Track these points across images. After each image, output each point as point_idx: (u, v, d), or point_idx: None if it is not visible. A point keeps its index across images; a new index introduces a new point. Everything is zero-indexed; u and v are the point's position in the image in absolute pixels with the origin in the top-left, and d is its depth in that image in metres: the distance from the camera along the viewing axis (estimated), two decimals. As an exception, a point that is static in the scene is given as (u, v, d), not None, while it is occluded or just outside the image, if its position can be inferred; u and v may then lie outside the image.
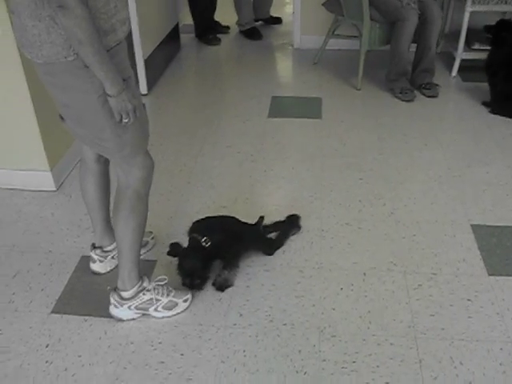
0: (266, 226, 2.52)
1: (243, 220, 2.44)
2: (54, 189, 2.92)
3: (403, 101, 3.81)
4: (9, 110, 2.71)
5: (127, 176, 1.94)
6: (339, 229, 2.60)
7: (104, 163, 2.19)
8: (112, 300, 2.11)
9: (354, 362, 1.96)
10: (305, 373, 1.93)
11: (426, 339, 2.04)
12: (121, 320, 2.13)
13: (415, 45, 3.86)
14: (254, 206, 2.76)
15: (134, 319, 2.14)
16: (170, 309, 2.15)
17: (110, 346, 2.05)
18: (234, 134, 3.45)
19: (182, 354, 2.00)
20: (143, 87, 3.94)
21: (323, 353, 2.00)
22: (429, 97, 3.85)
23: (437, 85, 3.90)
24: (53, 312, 2.19)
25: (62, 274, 2.38)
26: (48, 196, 2.89)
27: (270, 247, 2.46)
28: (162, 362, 1.98)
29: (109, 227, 2.31)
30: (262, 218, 2.51)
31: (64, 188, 2.95)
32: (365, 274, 2.34)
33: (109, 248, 2.33)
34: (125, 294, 2.09)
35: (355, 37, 4.10)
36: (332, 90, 4.01)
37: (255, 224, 2.48)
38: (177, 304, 2.16)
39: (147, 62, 3.89)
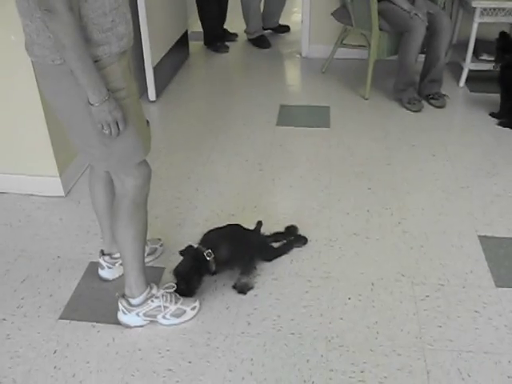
0: (267, 236, 2.53)
1: (246, 227, 2.45)
2: (63, 194, 2.93)
3: (411, 111, 3.82)
4: (19, 115, 2.72)
5: (123, 184, 1.94)
6: (347, 238, 2.60)
7: None
8: (120, 306, 2.11)
9: (361, 372, 1.96)
10: (312, 382, 1.92)
11: (433, 350, 2.04)
12: (128, 326, 2.13)
13: (423, 55, 3.88)
14: (262, 214, 2.76)
15: (141, 326, 2.14)
16: (178, 316, 2.15)
17: (117, 352, 2.05)
18: (242, 142, 3.46)
19: (189, 362, 2.01)
20: (152, 94, 3.95)
21: (331, 362, 2.00)
22: (436, 107, 3.86)
23: (444, 95, 3.91)
24: (61, 318, 2.20)
25: (70, 280, 2.39)
26: (57, 202, 2.90)
27: (271, 254, 2.47)
28: (170, 370, 1.98)
29: None
30: (260, 222, 2.51)
31: (72, 194, 2.96)
32: (372, 284, 2.34)
33: (117, 255, 2.33)
34: (133, 301, 2.10)
35: (363, 46, 4.11)
36: (340, 99, 4.02)
37: (255, 229, 2.49)
38: (185, 312, 2.17)
39: (156, 70, 3.90)
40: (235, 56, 4.97)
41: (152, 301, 2.11)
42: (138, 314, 2.11)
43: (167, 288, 2.17)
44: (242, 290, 2.30)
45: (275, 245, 2.53)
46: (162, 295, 2.13)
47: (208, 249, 2.20)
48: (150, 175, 2.00)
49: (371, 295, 2.29)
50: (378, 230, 2.66)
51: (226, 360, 2.01)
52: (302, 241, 2.58)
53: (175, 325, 2.15)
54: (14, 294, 2.31)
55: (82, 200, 2.90)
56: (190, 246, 2.25)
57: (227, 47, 5.00)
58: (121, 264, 2.32)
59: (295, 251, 2.52)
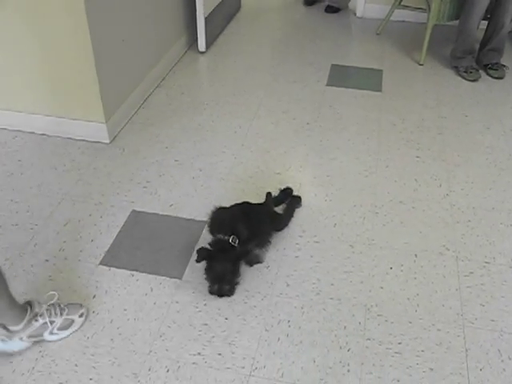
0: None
1: (255, 201, 2.38)
2: (108, 141, 2.92)
3: (467, 80, 3.67)
4: (70, 59, 2.69)
5: None
6: (393, 206, 2.54)
7: None
8: None
9: (399, 343, 1.93)
10: (348, 349, 1.90)
11: (474, 329, 1.99)
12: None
13: (485, 22, 3.71)
14: (308, 174, 2.72)
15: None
16: (66, 328, 1.93)
17: (155, 303, 2.06)
18: (290, 100, 3.39)
19: (226, 318, 2.00)
20: (201, 45, 3.89)
21: (368, 331, 1.97)
22: (495, 78, 3.70)
23: (504, 66, 3.74)
24: (101, 264, 2.21)
25: (111, 227, 2.39)
26: (101, 148, 2.89)
27: (280, 224, 2.38)
28: (206, 324, 1.98)
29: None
30: (269, 194, 2.42)
31: (117, 141, 2.95)
32: (416, 255, 2.29)
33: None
34: (14, 328, 1.84)
35: (423, 9, 3.95)
36: (394, 63, 3.90)
37: (266, 202, 2.39)
38: (73, 321, 1.95)
39: (207, 20, 3.83)
40: (287, 11, 4.84)
41: (36, 320, 1.86)
42: (21, 339, 1.85)
43: (49, 299, 1.94)
44: (251, 261, 2.21)
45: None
46: (46, 310, 1.89)
47: (230, 234, 2.08)
48: None
49: (414, 266, 2.24)
50: (424, 200, 2.59)
51: (263, 319, 2.00)
52: (298, 200, 2.51)
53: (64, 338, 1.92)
54: (56, 236, 2.33)
55: (126, 148, 2.89)
56: (203, 248, 2.09)
57: None
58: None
59: (339, 215, 2.47)
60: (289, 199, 2.50)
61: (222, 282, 2.05)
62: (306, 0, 4.89)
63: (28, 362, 1.84)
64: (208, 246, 2.10)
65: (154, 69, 3.42)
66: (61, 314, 1.91)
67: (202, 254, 2.06)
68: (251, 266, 2.22)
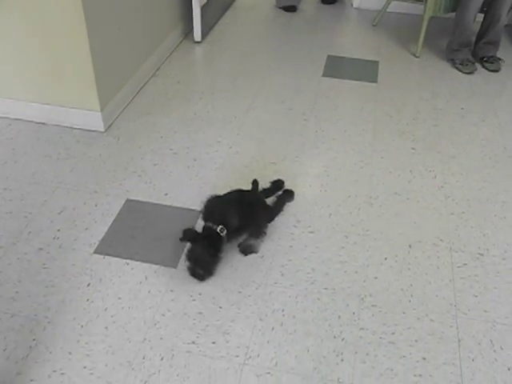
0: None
1: (245, 188, 2.37)
2: (103, 130, 2.91)
3: (463, 72, 3.68)
4: (65, 46, 2.68)
5: None
6: (387, 197, 2.55)
7: None
8: None
9: (392, 333, 1.94)
10: (342, 339, 1.91)
11: (466, 319, 2.00)
12: None
13: (482, 15, 3.71)
14: (303, 165, 2.72)
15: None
16: None
17: (149, 291, 2.06)
18: (286, 90, 3.38)
19: (220, 307, 2.00)
20: (197, 35, 3.87)
21: (362, 321, 1.98)
22: (490, 71, 3.71)
23: (500, 59, 3.75)
24: (95, 252, 2.21)
25: (106, 216, 2.39)
26: (96, 136, 2.88)
27: (271, 215, 2.37)
28: (200, 313, 1.98)
29: None
30: (255, 181, 2.41)
31: (112, 130, 2.94)
32: (410, 246, 2.30)
33: None
34: None
35: (419, 1, 3.95)
36: (390, 54, 3.89)
37: (252, 190, 2.38)
38: None
39: (203, 9, 3.81)
40: (284, 1, 4.82)
41: None
42: None
43: None
44: (245, 250, 2.22)
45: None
46: None
47: (219, 224, 2.07)
48: None
49: (408, 257, 2.25)
50: (419, 191, 2.60)
51: (257, 309, 2.00)
52: (291, 195, 2.49)
53: None
54: (50, 224, 2.33)
55: (121, 137, 2.88)
56: (190, 229, 2.10)
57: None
58: None
59: (333, 205, 2.48)
60: (279, 192, 2.47)
61: (196, 264, 2.06)
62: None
63: (22, 350, 1.84)
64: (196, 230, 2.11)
65: (150, 58, 3.41)
66: None
67: (188, 235, 2.07)
68: (245, 255, 2.22)
